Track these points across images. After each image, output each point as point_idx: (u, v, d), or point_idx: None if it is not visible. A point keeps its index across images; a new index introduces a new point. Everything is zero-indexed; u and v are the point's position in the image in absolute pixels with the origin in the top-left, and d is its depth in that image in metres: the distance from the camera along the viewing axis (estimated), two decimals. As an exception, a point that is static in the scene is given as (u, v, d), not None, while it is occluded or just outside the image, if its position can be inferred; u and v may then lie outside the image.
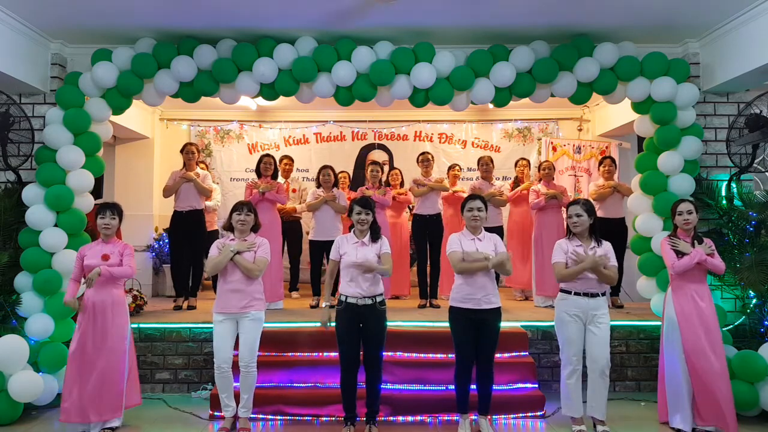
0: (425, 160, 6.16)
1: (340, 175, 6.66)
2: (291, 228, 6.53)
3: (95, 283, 3.96)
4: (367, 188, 6.14)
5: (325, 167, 6.06)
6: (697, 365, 4.00)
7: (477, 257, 3.87)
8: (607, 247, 4.07)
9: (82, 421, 3.96)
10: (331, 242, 4.20)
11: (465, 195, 6.07)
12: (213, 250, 4.09)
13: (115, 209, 4.13)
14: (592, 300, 3.97)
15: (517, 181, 6.62)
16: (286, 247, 6.55)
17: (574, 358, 4.00)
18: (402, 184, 6.71)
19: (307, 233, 6.55)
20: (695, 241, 4.12)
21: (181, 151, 6.03)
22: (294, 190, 6.64)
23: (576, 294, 3.98)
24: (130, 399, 4.18)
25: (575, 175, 7.32)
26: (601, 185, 6.09)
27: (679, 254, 4.09)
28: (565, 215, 5.85)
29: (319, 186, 6.05)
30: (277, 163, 6.21)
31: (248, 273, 4.00)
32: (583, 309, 3.97)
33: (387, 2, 4.32)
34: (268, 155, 6.02)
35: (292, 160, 6.76)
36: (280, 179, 6.39)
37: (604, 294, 4.04)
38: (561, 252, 4.05)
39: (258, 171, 5.96)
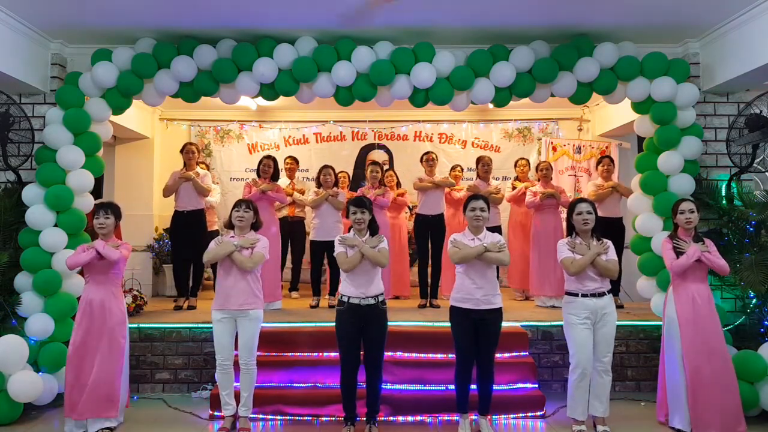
0: (429, 160, 6.16)
1: (339, 175, 6.66)
2: (295, 228, 6.52)
3: (94, 280, 4.02)
4: (368, 188, 6.14)
5: (325, 167, 6.07)
6: (696, 367, 3.98)
7: (470, 247, 3.89)
8: (608, 244, 4.08)
9: (81, 418, 3.95)
10: (332, 242, 4.20)
11: (460, 196, 6.13)
12: (212, 244, 4.11)
13: (110, 208, 4.13)
14: (599, 300, 3.97)
15: (517, 181, 6.61)
16: (289, 247, 6.54)
17: (584, 361, 3.96)
18: (398, 185, 6.71)
19: (308, 234, 6.54)
20: (697, 242, 4.11)
21: (181, 151, 6.04)
22: (301, 191, 6.60)
23: (583, 296, 3.98)
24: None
25: (575, 175, 7.32)
26: (600, 185, 6.09)
27: (681, 255, 4.09)
28: (563, 215, 5.88)
29: (319, 186, 6.06)
30: (280, 163, 6.21)
31: (241, 266, 4.00)
32: (592, 310, 3.96)
33: (387, 2, 4.32)
34: (268, 156, 6.03)
35: (297, 161, 6.76)
36: (281, 180, 6.39)
37: (610, 292, 4.04)
38: (566, 249, 4.05)
39: (258, 172, 5.97)
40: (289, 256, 6.60)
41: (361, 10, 4.49)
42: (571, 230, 4.14)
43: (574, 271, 3.96)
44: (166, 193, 5.94)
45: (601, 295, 3.97)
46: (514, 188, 6.58)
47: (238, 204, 4.16)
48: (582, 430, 4.02)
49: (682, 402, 4.05)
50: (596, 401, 4.03)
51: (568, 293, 4.06)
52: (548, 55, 4.99)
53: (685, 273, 4.07)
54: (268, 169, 5.92)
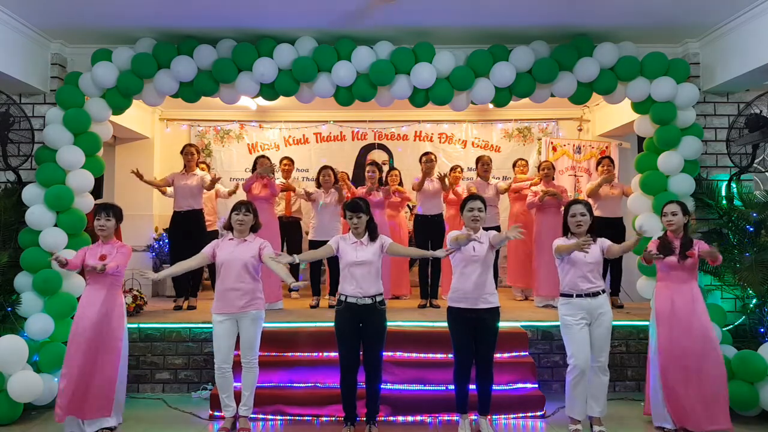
0: (429, 161, 6.16)
1: (339, 175, 6.66)
2: (291, 227, 6.54)
3: (94, 281, 4.02)
4: (368, 187, 6.15)
5: (324, 167, 6.07)
6: (666, 365, 3.99)
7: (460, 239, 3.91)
8: (601, 242, 4.10)
9: (82, 417, 3.93)
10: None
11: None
12: (207, 249, 4.11)
13: (111, 210, 4.12)
14: (594, 300, 3.98)
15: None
16: (285, 247, 6.55)
17: (581, 362, 3.96)
18: (400, 185, 6.70)
19: (307, 233, 6.55)
20: (687, 243, 4.10)
21: (181, 152, 6.05)
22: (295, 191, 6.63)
23: (578, 296, 3.99)
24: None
25: (575, 175, 7.32)
26: (598, 184, 6.08)
27: (658, 256, 4.07)
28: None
29: (319, 186, 6.06)
30: (276, 164, 6.22)
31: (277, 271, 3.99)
32: (587, 310, 3.98)
33: (387, 2, 4.32)
34: (263, 156, 6.06)
35: (292, 161, 6.77)
36: (283, 180, 6.40)
37: (604, 291, 4.05)
38: (561, 240, 4.12)
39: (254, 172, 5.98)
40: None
41: (361, 10, 4.49)
42: (567, 231, 4.16)
43: (557, 250, 4.03)
44: (151, 184, 6.03)
45: (595, 294, 3.98)
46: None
47: (237, 207, 4.14)
48: (578, 429, 4.02)
49: (660, 400, 4.06)
50: (593, 401, 4.04)
51: (563, 294, 4.08)
52: (548, 55, 4.99)
53: (669, 273, 4.10)
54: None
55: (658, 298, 4.15)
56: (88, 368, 3.93)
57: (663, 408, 4.05)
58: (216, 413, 4.35)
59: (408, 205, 6.76)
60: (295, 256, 4.00)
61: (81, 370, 3.93)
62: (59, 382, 4.00)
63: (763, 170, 5.19)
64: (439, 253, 3.99)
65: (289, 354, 4.75)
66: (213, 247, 4.11)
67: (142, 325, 5.04)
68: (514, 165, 6.75)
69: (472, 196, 4.09)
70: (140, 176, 5.77)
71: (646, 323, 5.05)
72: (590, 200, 5.99)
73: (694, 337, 4.00)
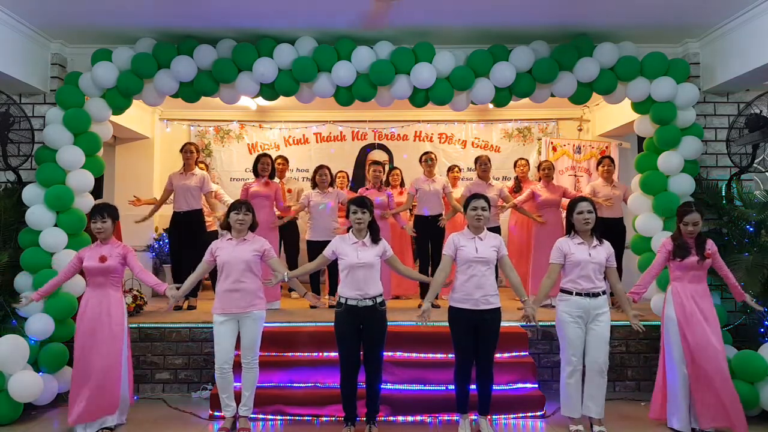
0: (428, 160, 6.15)
1: (338, 175, 6.65)
2: (288, 228, 6.53)
3: (94, 282, 4.03)
4: (367, 189, 6.14)
5: (320, 167, 6.05)
6: (703, 365, 3.98)
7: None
8: (608, 248, 4.08)
9: (84, 421, 3.95)
10: (328, 242, 4.19)
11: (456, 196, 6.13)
12: (206, 256, 4.11)
13: (105, 211, 4.09)
14: (593, 300, 3.97)
15: (517, 181, 6.62)
16: (282, 248, 6.55)
17: (575, 358, 4.00)
18: (402, 184, 6.70)
19: (305, 233, 6.55)
20: (700, 243, 4.12)
21: (181, 151, 6.04)
22: (290, 191, 6.64)
23: (578, 294, 3.98)
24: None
25: (575, 175, 7.32)
26: (600, 187, 6.07)
27: (677, 258, 4.08)
28: (563, 215, 5.87)
29: (315, 186, 6.04)
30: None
31: (277, 269, 4.11)
32: (585, 309, 3.97)
33: (387, 2, 4.32)
34: (265, 155, 6.03)
35: (287, 160, 6.77)
36: (277, 179, 6.39)
37: (605, 293, 4.04)
38: (560, 253, 4.05)
39: (255, 171, 5.97)
40: (283, 256, 6.59)
41: (372, 13, 4.51)
42: (571, 229, 4.14)
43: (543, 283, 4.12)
44: (156, 206, 6.04)
45: (595, 295, 3.97)
46: (514, 188, 6.58)
47: (237, 207, 4.11)
48: (579, 430, 4.02)
49: (680, 403, 4.05)
50: (590, 402, 4.04)
51: (563, 291, 4.08)
52: (548, 55, 4.99)
53: (687, 273, 4.10)
54: (266, 167, 5.92)
55: (676, 300, 4.12)
56: (90, 369, 3.94)
57: (682, 410, 4.05)
58: (216, 413, 4.35)
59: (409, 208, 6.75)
60: (285, 273, 4.01)
61: (85, 374, 3.93)
62: (70, 387, 4.03)
63: (763, 170, 5.19)
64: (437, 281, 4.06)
65: (289, 354, 4.75)
66: (210, 253, 4.10)
67: (142, 325, 5.04)
68: (515, 165, 6.75)
69: (475, 195, 4.06)
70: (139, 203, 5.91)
71: (646, 323, 5.04)
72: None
73: (717, 337, 4.05)
